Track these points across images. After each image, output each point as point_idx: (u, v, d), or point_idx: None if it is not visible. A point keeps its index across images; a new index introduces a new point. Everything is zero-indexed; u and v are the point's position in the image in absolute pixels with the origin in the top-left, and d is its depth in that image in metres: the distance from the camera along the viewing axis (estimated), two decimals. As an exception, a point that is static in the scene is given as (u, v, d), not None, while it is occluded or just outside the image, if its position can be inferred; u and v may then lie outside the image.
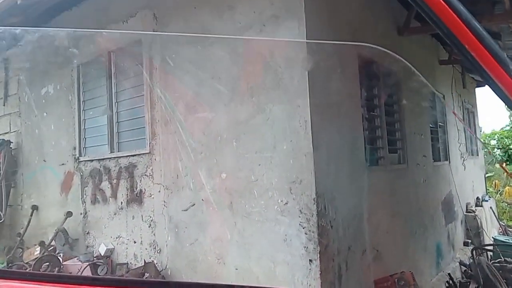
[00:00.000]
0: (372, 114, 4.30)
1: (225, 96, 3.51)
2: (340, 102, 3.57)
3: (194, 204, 3.64)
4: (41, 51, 5.39)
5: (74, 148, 4.90)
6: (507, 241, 6.76)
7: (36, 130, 5.45)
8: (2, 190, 5.48)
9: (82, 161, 4.81)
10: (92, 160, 4.69)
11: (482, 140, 13.16)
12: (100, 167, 4.58)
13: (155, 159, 4.06)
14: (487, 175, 12.23)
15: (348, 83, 3.74)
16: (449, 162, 6.94)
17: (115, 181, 4.41)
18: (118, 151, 4.48)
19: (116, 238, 4.39)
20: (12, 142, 5.69)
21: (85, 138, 4.87)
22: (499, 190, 14.08)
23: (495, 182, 13.73)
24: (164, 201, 3.94)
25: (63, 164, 5.02)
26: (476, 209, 7.89)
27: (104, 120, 4.61)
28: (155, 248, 4.02)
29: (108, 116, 4.55)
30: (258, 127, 3.31)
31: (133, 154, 4.27)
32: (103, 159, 4.56)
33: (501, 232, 9.00)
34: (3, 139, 5.66)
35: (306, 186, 3.03)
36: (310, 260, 2.97)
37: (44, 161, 5.28)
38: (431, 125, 6.31)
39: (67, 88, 5.04)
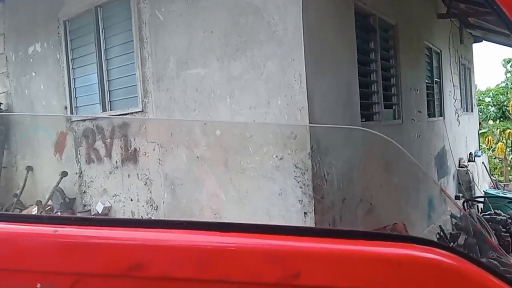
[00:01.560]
0: (368, 68, 4.23)
1: (218, 51, 3.42)
2: (336, 56, 3.50)
3: None
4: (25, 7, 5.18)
5: (65, 108, 4.82)
6: (497, 194, 6.92)
7: (26, 90, 5.33)
8: (-5, 152, 5.44)
9: (74, 121, 4.74)
10: (84, 120, 4.63)
11: (477, 97, 13.09)
12: (93, 126, 4.53)
13: (148, 117, 4.01)
14: (480, 131, 12.33)
15: (344, 36, 3.65)
16: (444, 118, 6.94)
17: (108, 140, 4.37)
18: (110, 110, 4.41)
19: (113, 196, 4.42)
20: (2, 103, 5.59)
21: (76, 98, 4.78)
22: (491, 147, 14.26)
23: (488, 138, 13.87)
24: (159, 159, 3.94)
25: (54, 124, 4.96)
26: (468, 164, 8.00)
27: (95, 79, 4.50)
28: (151, 205, 4.06)
29: (98, 75, 4.44)
30: (252, 82, 3.25)
31: (125, 112, 4.21)
32: (95, 118, 4.50)
33: (492, 186, 9.19)
34: (-8, 101, 5.55)
35: (301, 141, 3.03)
36: (305, 213, 3.02)
37: (37, 123, 5.22)
38: (427, 81, 6.25)
39: (55, 46, 4.88)
